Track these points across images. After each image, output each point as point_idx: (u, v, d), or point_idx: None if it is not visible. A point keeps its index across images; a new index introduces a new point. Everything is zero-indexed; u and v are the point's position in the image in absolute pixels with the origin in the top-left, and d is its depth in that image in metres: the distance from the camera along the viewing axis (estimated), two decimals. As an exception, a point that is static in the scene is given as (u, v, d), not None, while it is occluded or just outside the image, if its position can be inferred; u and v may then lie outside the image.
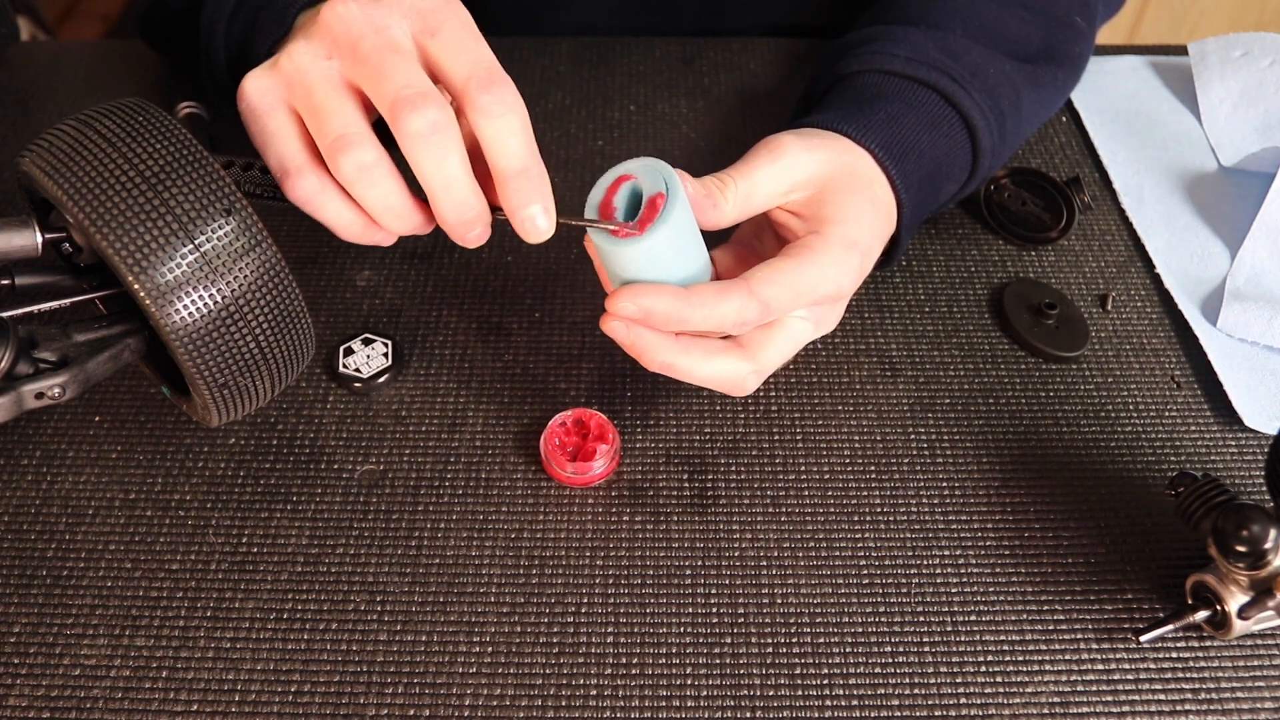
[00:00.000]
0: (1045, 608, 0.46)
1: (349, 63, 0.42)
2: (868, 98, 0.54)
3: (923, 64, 0.54)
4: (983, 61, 0.56)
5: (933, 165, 0.53)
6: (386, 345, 0.54)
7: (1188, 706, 0.44)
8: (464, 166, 0.41)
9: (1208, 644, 0.45)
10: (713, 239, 0.47)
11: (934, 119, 0.54)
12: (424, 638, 0.45)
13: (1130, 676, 0.44)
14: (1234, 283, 0.59)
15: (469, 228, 0.43)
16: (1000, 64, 0.57)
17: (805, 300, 0.45)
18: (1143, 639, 0.44)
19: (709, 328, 0.43)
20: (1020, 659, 0.45)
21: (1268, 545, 0.41)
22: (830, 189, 0.47)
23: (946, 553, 0.48)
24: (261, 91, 0.43)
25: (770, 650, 0.45)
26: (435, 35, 0.42)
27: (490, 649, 0.45)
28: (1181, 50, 0.74)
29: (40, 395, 0.41)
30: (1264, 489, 0.51)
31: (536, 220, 0.42)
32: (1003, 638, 0.45)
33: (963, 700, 0.43)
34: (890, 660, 0.45)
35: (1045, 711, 0.43)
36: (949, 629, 0.46)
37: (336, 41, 0.42)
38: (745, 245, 0.51)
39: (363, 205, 0.43)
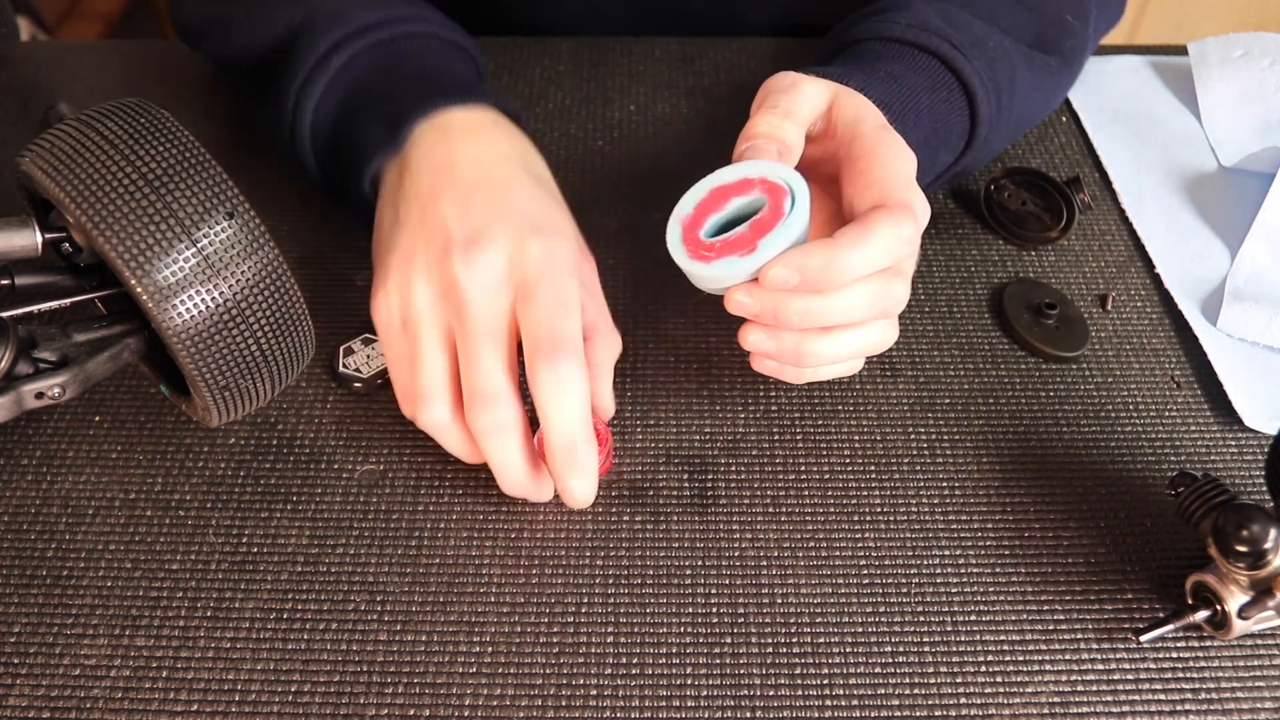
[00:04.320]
0: (1045, 608, 0.46)
1: (454, 321, 0.45)
2: (869, 59, 0.55)
3: (924, 30, 0.56)
4: (982, 34, 0.58)
5: (930, 127, 0.54)
6: (386, 345, 0.54)
7: (1188, 706, 0.44)
8: (521, 455, 0.45)
9: (1208, 644, 0.45)
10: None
11: (934, 82, 0.55)
12: (424, 638, 0.45)
13: (1130, 676, 0.44)
14: (1234, 283, 0.59)
15: (525, 498, 0.48)
16: (1000, 39, 0.58)
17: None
18: (1143, 639, 0.44)
19: (876, 260, 0.43)
20: (1020, 659, 0.45)
21: (1268, 545, 0.41)
22: (835, 102, 0.49)
23: (946, 553, 0.48)
24: (388, 315, 0.47)
25: (770, 650, 0.45)
26: (526, 303, 0.44)
27: (490, 649, 0.45)
28: (1181, 50, 0.74)
29: (40, 395, 0.41)
30: (1264, 489, 0.51)
31: (574, 493, 0.45)
32: (1003, 638, 0.45)
33: (963, 700, 0.43)
34: (890, 660, 0.45)
35: (1045, 711, 0.43)
36: (949, 629, 0.46)
37: (448, 296, 0.45)
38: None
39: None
